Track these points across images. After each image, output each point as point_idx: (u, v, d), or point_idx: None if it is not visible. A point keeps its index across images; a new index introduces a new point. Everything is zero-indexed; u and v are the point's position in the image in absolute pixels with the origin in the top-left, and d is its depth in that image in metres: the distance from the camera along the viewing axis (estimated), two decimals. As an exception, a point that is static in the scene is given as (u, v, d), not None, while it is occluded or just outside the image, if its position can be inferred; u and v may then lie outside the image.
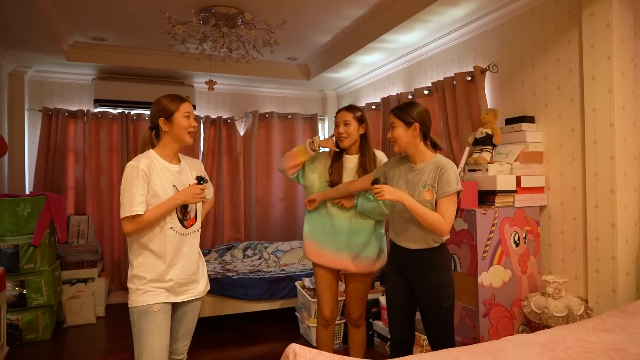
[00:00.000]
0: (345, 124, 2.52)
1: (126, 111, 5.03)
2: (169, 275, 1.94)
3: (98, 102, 4.88)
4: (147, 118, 5.17)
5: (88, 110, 4.92)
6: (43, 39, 3.89)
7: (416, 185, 2.19)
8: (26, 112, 4.77)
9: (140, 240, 1.93)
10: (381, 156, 2.64)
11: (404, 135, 2.21)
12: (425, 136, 2.24)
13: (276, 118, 5.68)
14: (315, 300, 3.40)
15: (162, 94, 2.07)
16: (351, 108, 2.56)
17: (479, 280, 2.71)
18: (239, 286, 3.78)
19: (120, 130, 4.99)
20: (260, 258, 4.72)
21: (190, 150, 5.28)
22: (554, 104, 2.89)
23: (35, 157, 4.77)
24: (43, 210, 3.60)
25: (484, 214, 2.73)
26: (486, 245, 2.74)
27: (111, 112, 5.04)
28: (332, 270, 2.60)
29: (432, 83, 3.80)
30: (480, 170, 2.93)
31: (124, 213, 1.85)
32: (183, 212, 2.00)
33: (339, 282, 2.82)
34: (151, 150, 2.00)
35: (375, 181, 2.12)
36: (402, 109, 2.22)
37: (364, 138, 2.58)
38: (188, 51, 3.88)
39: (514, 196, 2.84)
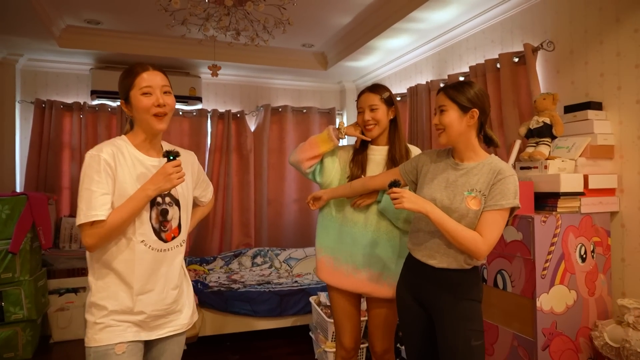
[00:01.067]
0: (372, 109, 2.02)
1: (126, 104, 4.60)
2: (140, 306, 1.46)
3: (95, 93, 4.46)
4: (149, 111, 4.72)
5: (85, 103, 4.50)
6: (30, 22, 3.47)
7: (459, 189, 1.68)
8: (17, 104, 4.37)
9: (102, 258, 1.45)
10: (415, 151, 2.14)
11: (457, 123, 1.69)
12: (480, 128, 1.74)
13: (290, 112, 5.20)
14: (333, 320, 2.91)
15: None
16: (376, 88, 2.06)
17: (538, 304, 2.17)
18: (245, 301, 3.30)
19: (119, 124, 4.57)
20: (271, 267, 4.24)
21: (196, 147, 4.83)
22: (630, 86, 2.34)
23: (27, 154, 4.37)
24: (24, 212, 3.17)
25: (544, 221, 2.20)
26: (546, 261, 2.21)
27: (110, 105, 4.61)
28: (351, 294, 2.09)
29: (470, 67, 3.26)
30: (536, 167, 2.39)
31: (80, 219, 1.38)
32: (160, 220, 1.49)
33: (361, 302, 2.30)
34: (123, 136, 1.53)
35: (394, 183, 1.63)
36: (458, 88, 1.71)
37: (393, 124, 2.08)
38: (189, 32, 3.43)
39: (580, 200, 2.29)
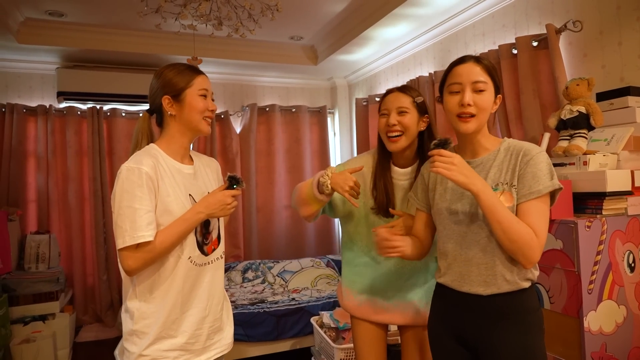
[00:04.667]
0: (401, 113, 1.59)
1: (98, 106, 4.17)
2: (183, 326, 1.37)
3: (63, 95, 4.01)
4: (123, 114, 4.31)
5: (51, 106, 4.05)
6: (-19, 13, 3.05)
7: None
8: (-27, 109, 3.91)
9: (147, 280, 1.34)
10: None
11: (491, 107, 1.38)
12: None
13: (278, 112, 4.82)
14: (340, 346, 2.55)
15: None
16: (409, 89, 1.65)
17: (585, 324, 1.85)
18: (237, 324, 2.90)
19: (90, 129, 4.12)
20: (263, 282, 3.85)
21: (177, 152, 4.42)
22: (677, 67, 2.04)
23: (-14, 164, 3.91)
24: (-24, 233, 2.74)
25: (589, 227, 1.88)
26: (593, 273, 1.88)
27: (79, 108, 4.17)
28: (377, 322, 1.78)
29: (481, 55, 2.93)
30: (573, 164, 2.07)
31: (124, 242, 1.26)
32: (203, 233, 1.42)
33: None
34: (153, 145, 1.42)
35: (443, 143, 1.28)
36: (489, 61, 1.38)
37: (424, 137, 1.67)
38: (165, 23, 3.03)
39: (627, 200, 1.98)
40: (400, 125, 1.58)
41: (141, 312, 1.34)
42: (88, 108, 4.15)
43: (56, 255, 3.70)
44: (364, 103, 4.39)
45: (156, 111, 1.45)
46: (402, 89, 1.64)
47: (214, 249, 1.46)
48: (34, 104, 4.07)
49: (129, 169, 1.30)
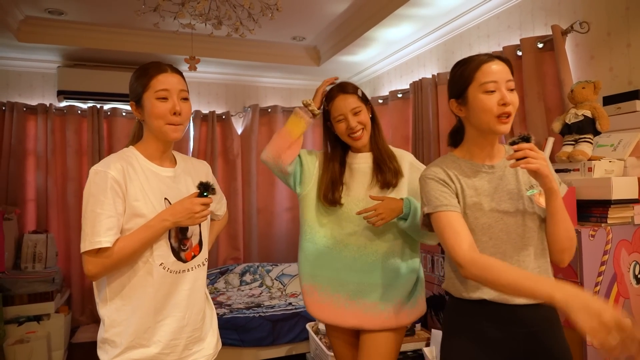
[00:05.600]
0: (356, 113, 1.68)
1: (98, 105, 4.15)
2: (157, 335, 1.29)
3: (63, 94, 4.00)
4: (124, 114, 4.28)
5: (51, 105, 4.03)
6: (-20, 11, 3.03)
7: (513, 192, 1.29)
8: (-26, 108, 3.90)
9: (114, 285, 1.28)
10: (402, 155, 1.78)
11: None
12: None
13: (280, 113, 4.77)
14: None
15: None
16: (350, 87, 1.72)
17: (588, 337, 1.76)
18: (231, 329, 2.85)
19: (90, 128, 4.10)
20: (261, 285, 3.80)
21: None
22: (688, 70, 1.95)
23: (-15, 163, 3.89)
24: (-31, 232, 2.71)
25: (593, 235, 1.80)
26: (596, 284, 1.81)
27: (80, 107, 4.15)
28: (348, 330, 1.75)
29: (485, 56, 2.86)
30: (577, 170, 1.99)
31: (84, 246, 1.22)
32: (180, 239, 1.34)
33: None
34: (131, 147, 1.37)
35: (527, 138, 1.22)
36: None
37: (374, 124, 1.77)
38: (163, 21, 3.00)
39: (633, 208, 1.90)
40: (360, 124, 1.68)
41: (111, 320, 1.28)
42: (88, 107, 4.13)
43: (53, 255, 3.67)
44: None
45: None
46: (345, 90, 1.70)
47: (194, 256, 1.37)
48: (34, 103, 4.05)
49: (96, 172, 1.25)
